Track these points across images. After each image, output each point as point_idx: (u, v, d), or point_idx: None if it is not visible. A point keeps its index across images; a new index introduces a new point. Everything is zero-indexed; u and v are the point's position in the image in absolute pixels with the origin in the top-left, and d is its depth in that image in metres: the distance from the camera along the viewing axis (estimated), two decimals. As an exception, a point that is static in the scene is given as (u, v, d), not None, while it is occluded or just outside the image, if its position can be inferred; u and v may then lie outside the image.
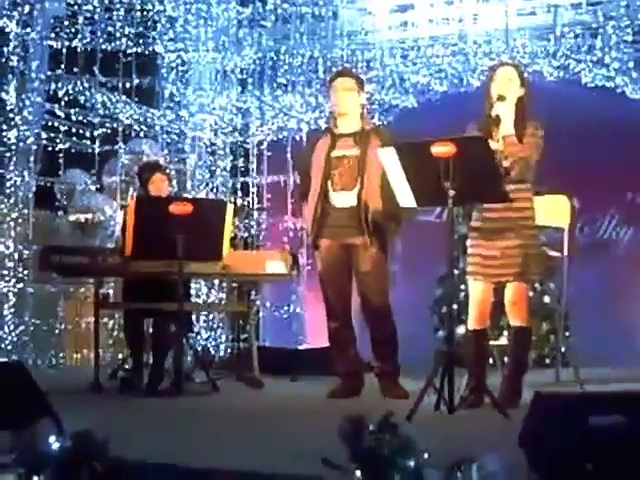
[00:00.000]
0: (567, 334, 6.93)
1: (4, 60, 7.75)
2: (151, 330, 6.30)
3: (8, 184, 7.78)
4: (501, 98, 4.81)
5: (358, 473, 2.60)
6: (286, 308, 8.47)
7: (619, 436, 2.82)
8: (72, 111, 8.28)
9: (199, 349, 7.97)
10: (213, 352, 8.38)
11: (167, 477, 3.12)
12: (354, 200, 5.50)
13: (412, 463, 2.60)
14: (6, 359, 7.13)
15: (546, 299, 7.20)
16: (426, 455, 2.65)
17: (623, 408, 2.90)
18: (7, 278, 7.71)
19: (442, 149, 4.36)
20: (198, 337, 8.39)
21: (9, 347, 7.67)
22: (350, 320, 5.70)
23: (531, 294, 6.84)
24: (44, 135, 8.09)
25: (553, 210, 5.67)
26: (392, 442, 2.64)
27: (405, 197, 4.70)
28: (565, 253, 5.79)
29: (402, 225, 5.62)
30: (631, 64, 7.44)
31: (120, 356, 7.23)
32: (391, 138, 5.37)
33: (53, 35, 8.12)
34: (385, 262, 5.61)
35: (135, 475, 3.10)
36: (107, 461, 2.98)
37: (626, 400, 2.99)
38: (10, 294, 7.70)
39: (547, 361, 7.15)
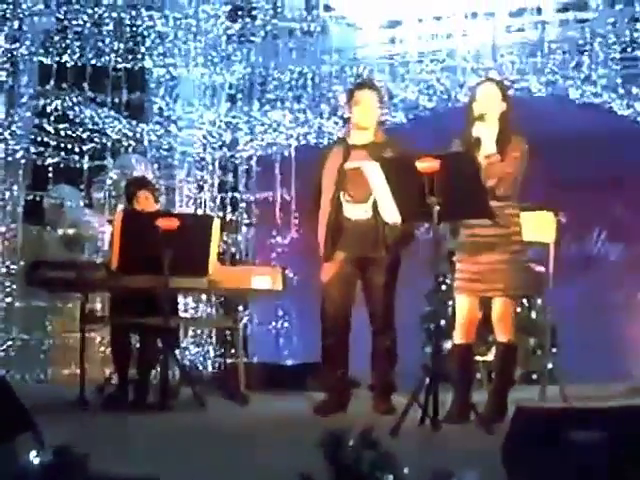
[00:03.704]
0: (554, 350, 6.92)
1: (-7, 75, 7.76)
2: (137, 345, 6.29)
3: (-4, 198, 7.79)
4: (481, 118, 4.82)
5: (337, 488, 2.59)
6: (274, 324, 8.46)
7: (600, 451, 2.82)
8: (61, 126, 8.29)
9: (186, 364, 7.95)
10: (200, 367, 8.35)
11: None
12: (369, 212, 5.45)
13: (391, 478, 2.59)
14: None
15: (533, 315, 7.20)
16: (406, 470, 2.64)
17: (604, 423, 2.90)
18: (-5, 292, 7.70)
19: (426, 164, 4.37)
20: (186, 352, 8.37)
21: (-4, 362, 7.65)
22: (347, 336, 5.64)
23: (518, 310, 6.87)
24: (33, 150, 8.09)
25: (539, 226, 5.68)
26: (372, 457, 2.63)
27: (390, 212, 4.70)
28: (551, 269, 5.80)
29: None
30: (619, 80, 7.47)
31: (107, 372, 7.21)
32: (404, 150, 5.36)
33: (42, 50, 8.12)
34: (397, 275, 5.58)
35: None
36: (87, 476, 2.96)
37: (607, 415, 2.99)
38: (-2, 308, 7.70)
39: (534, 377, 7.13)
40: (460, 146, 4.89)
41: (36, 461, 2.94)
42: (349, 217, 5.53)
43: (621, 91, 7.46)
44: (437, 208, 4.42)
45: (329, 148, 5.87)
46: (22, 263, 7.57)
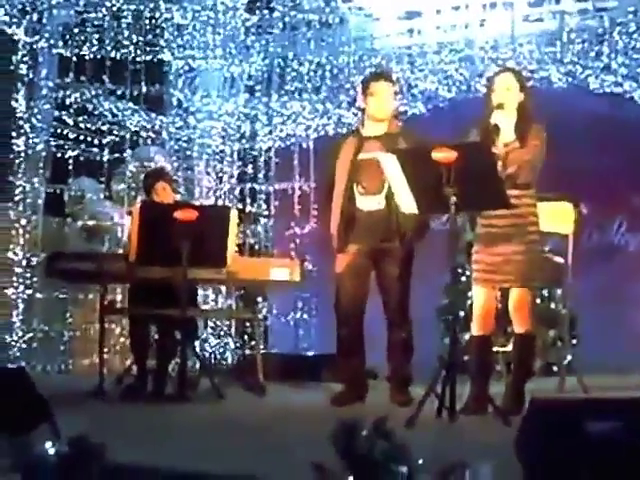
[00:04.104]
0: (574, 341, 6.89)
1: (13, 68, 7.79)
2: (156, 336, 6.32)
3: (17, 191, 7.85)
4: (500, 106, 4.80)
5: (350, 479, 2.59)
6: (293, 315, 8.47)
7: (616, 442, 2.81)
8: (81, 119, 8.33)
9: (205, 356, 7.98)
10: (220, 359, 8.38)
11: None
12: (382, 203, 5.44)
13: (405, 469, 2.59)
14: (13, 365, 7.16)
15: (552, 306, 7.17)
16: (420, 461, 2.63)
17: (620, 414, 2.88)
18: (16, 284, 7.75)
19: (443, 155, 4.34)
20: (206, 344, 8.39)
21: (18, 353, 7.71)
22: (361, 327, 5.63)
23: (538, 301, 6.84)
24: (53, 142, 8.13)
25: (557, 217, 5.64)
26: (385, 448, 2.63)
27: (407, 203, 4.69)
28: (569, 260, 5.77)
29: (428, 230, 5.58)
30: (639, 69, 7.41)
31: (127, 362, 7.24)
32: (419, 141, 5.34)
33: (62, 43, 8.16)
34: (411, 267, 5.56)
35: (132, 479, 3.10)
36: (104, 466, 2.98)
37: (623, 406, 2.97)
38: (19, 300, 7.74)
39: (554, 369, 7.11)
40: (477, 135, 4.87)
41: (52, 451, 2.96)
42: (362, 208, 5.51)
43: (642, 80, 7.42)
44: (454, 199, 4.40)
45: (342, 139, 5.85)
46: (42, 255, 7.61)
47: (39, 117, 7.95)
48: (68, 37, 8.22)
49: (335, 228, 5.56)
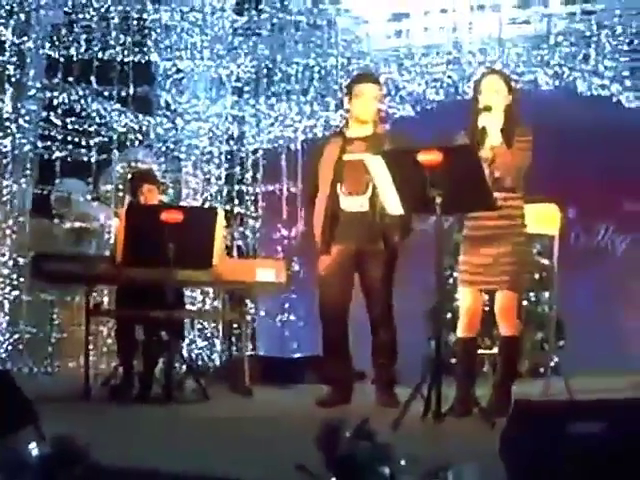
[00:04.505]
0: (561, 343, 6.90)
1: (0, 69, 7.77)
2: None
3: (5, 192, 7.81)
4: (487, 109, 4.80)
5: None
6: (280, 317, 8.46)
7: (599, 444, 2.81)
8: (68, 120, 8.30)
9: (191, 357, 7.97)
10: (207, 360, 8.36)
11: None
12: (365, 205, 5.44)
13: (387, 470, 2.59)
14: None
15: (539, 308, 7.18)
16: (403, 462, 2.63)
17: (604, 416, 2.89)
18: (2, 286, 7.72)
19: (429, 157, 4.35)
20: (193, 345, 8.38)
21: (4, 355, 7.68)
22: (346, 327, 5.63)
23: (525, 303, 6.85)
24: (40, 143, 8.10)
25: (543, 218, 5.65)
26: (368, 449, 2.63)
27: (393, 204, 4.69)
28: (555, 261, 5.78)
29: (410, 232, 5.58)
30: (626, 72, 7.45)
31: (114, 364, 7.23)
32: (404, 143, 5.34)
33: (49, 44, 8.13)
34: (394, 268, 5.56)
35: (115, 481, 3.10)
36: (87, 466, 2.97)
37: (608, 408, 2.98)
38: (5, 302, 7.71)
39: (541, 370, 7.12)
40: (465, 138, 4.87)
41: (36, 453, 2.95)
42: (346, 209, 5.50)
43: (628, 83, 7.44)
44: (439, 200, 4.40)
45: (326, 140, 5.86)
46: (30, 256, 7.59)
47: (26, 118, 7.92)
48: (56, 38, 8.19)
49: (319, 229, 5.56)
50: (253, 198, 8.82)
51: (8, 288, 7.73)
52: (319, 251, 5.59)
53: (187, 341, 8.10)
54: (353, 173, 5.42)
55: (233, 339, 8.38)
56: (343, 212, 5.51)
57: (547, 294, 6.99)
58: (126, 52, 8.34)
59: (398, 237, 5.47)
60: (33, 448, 2.97)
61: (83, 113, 8.35)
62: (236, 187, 8.83)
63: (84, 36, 8.28)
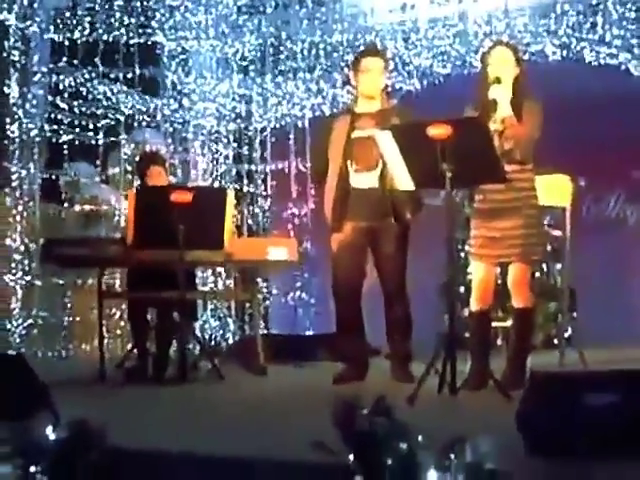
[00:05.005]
0: (573, 314, 6.89)
1: (5, 54, 7.75)
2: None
3: (13, 177, 7.81)
4: (497, 80, 4.77)
5: (351, 456, 2.58)
6: (292, 295, 8.46)
7: (615, 415, 2.80)
8: (75, 103, 8.29)
9: (205, 337, 7.98)
10: (220, 340, 8.38)
11: (165, 465, 3.12)
12: (375, 181, 5.42)
13: (405, 446, 2.58)
14: (13, 352, 7.16)
15: (552, 280, 7.17)
16: (420, 437, 2.63)
17: (619, 387, 2.88)
18: (14, 271, 7.73)
19: (438, 131, 4.33)
20: (206, 326, 8.40)
21: (17, 340, 7.70)
22: (359, 304, 5.62)
23: (537, 275, 6.83)
24: (47, 128, 8.09)
25: (555, 190, 5.63)
26: (385, 425, 2.62)
27: (403, 180, 4.68)
28: (567, 233, 5.76)
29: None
30: (634, 41, 7.39)
31: (128, 346, 7.24)
32: (412, 117, 5.31)
33: (54, 28, 8.11)
34: (407, 244, 5.54)
35: (132, 463, 3.10)
36: (104, 449, 2.97)
37: (622, 379, 2.97)
38: (17, 287, 7.73)
39: (555, 342, 7.11)
40: (474, 111, 4.84)
41: (52, 436, 2.96)
42: (356, 186, 5.48)
43: (636, 51, 7.38)
44: (450, 174, 4.38)
45: (335, 117, 5.83)
46: (41, 241, 7.59)
47: (33, 102, 7.91)
48: (60, 21, 8.17)
49: (330, 207, 5.54)
50: (262, 177, 8.80)
51: (20, 273, 7.74)
52: (331, 229, 5.58)
53: (200, 322, 8.10)
54: (363, 149, 5.39)
55: (246, 318, 8.38)
56: (354, 189, 5.49)
57: (559, 266, 6.97)
58: (131, 34, 8.31)
59: (410, 212, 5.46)
60: (49, 432, 2.98)
61: (89, 96, 8.34)
62: (245, 166, 8.82)
63: (88, 19, 8.25)
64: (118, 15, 8.29)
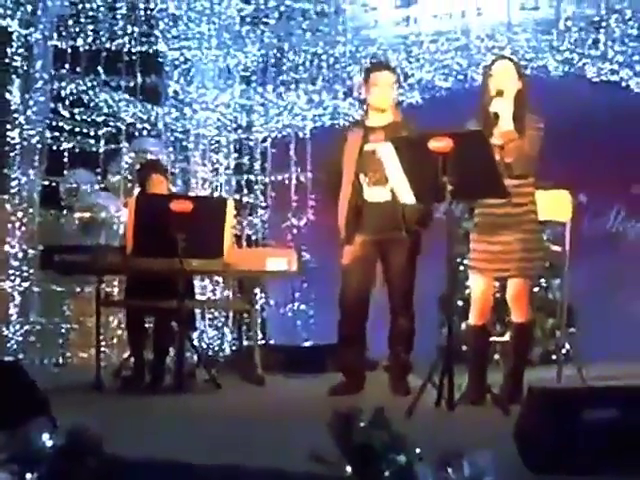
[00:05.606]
0: (572, 330, 6.88)
1: (7, 60, 7.76)
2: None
3: (13, 183, 7.80)
4: (500, 93, 4.78)
5: (349, 469, 2.58)
6: (290, 306, 8.45)
7: (614, 430, 2.80)
8: (76, 110, 8.29)
9: (202, 347, 7.97)
10: (217, 350, 8.36)
11: (161, 474, 3.11)
12: (388, 195, 5.44)
13: (403, 458, 2.58)
14: (9, 358, 7.14)
15: (551, 295, 7.16)
16: (417, 450, 2.62)
17: (618, 402, 2.88)
18: (12, 277, 7.72)
19: (439, 144, 4.34)
20: (203, 335, 8.38)
21: (15, 347, 7.68)
22: (366, 317, 5.66)
23: (536, 290, 6.83)
24: (48, 134, 8.09)
25: (554, 204, 5.62)
26: (383, 437, 2.62)
27: (404, 192, 4.68)
28: (567, 248, 5.76)
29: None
30: (636, 57, 7.37)
31: (125, 355, 7.23)
32: (418, 130, 5.35)
33: (56, 35, 8.11)
34: (417, 257, 5.58)
35: (129, 471, 3.10)
36: (101, 457, 2.97)
37: (620, 394, 2.97)
38: (15, 293, 7.72)
39: (553, 357, 7.10)
40: (475, 125, 4.85)
41: (49, 444, 2.95)
42: (369, 199, 5.53)
43: (638, 68, 7.38)
44: (450, 188, 4.38)
45: (348, 130, 5.87)
46: (39, 248, 7.59)
47: (34, 109, 7.90)
48: (63, 29, 8.17)
49: (342, 220, 5.57)
50: (262, 187, 8.80)
51: (18, 280, 7.73)
52: (343, 241, 5.61)
53: (198, 331, 8.09)
54: (374, 163, 5.42)
55: (243, 328, 8.36)
56: (366, 202, 5.54)
57: (558, 281, 6.97)
58: (133, 42, 8.31)
59: (420, 226, 5.48)
60: (46, 439, 2.97)
61: (91, 104, 8.33)
62: (245, 176, 8.81)
63: (91, 26, 8.25)
64: (121, 23, 8.28)
